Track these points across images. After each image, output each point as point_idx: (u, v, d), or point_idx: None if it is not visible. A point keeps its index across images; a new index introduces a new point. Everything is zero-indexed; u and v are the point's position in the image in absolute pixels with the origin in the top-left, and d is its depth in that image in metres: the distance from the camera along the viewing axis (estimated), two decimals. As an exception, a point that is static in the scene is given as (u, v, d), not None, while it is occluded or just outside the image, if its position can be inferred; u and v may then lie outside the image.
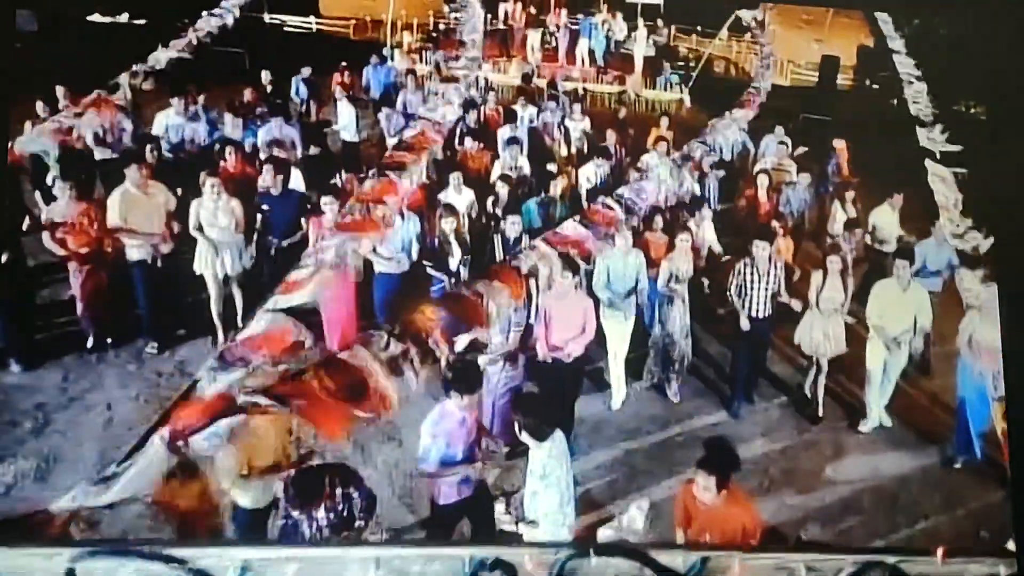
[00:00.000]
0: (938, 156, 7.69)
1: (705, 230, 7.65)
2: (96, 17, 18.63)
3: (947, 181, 7.14)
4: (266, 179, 7.14)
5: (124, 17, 19.11)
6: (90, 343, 7.00)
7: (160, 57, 9.28)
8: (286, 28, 19.55)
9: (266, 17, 19.43)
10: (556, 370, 6.11)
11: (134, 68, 9.30)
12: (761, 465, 6.52)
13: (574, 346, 6.04)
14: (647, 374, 7.25)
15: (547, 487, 4.21)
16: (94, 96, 8.38)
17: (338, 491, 3.93)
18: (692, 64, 18.90)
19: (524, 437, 4.27)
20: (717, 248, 7.70)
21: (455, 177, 7.67)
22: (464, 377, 4.72)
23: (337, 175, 8.40)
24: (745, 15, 16.70)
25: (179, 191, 7.34)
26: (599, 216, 5.91)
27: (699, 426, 6.94)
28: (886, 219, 8.16)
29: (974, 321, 6.33)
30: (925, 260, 7.48)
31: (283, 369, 2.89)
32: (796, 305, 6.87)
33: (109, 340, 6.99)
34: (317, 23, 19.97)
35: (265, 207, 7.13)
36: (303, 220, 7.06)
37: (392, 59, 15.02)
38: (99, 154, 8.53)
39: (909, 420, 7.07)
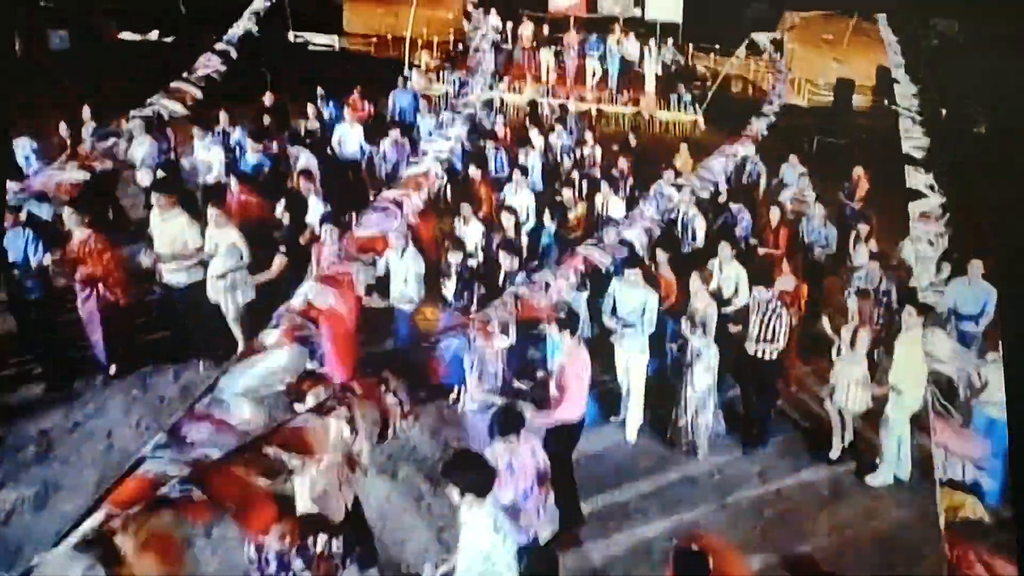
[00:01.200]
0: (925, 193, 7.35)
1: (728, 269, 7.18)
2: (127, 35, 18.98)
3: (933, 225, 6.80)
4: (278, 210, 7.13)
5: (154, 35, 19.43)
6: (102, 368, 7.00)
7: (182, 87, 9.14)
8: (310, 47, 19.73)
9: (290, 36, 19.63)
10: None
11: (161, 94, 9.13)
12: (755, 506, 6.34)
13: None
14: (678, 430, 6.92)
15: (504, 539, 3.92)
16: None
17: (309, 539, 3.88)
18: (709, 83, 18.68)
19: (467, 499, 3.90)
20: (744, 290, 7.07)
21: (465, 207, 7.59)
22: (503, 419, 4.52)
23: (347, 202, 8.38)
24: (760, 39, 16.43)
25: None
26: (574, 263, 5.68)
27: (700, 462, 6.76)
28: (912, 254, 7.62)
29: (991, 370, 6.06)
30: (956, 302, 7.13)
31: (215, 458, 2.73)
32: (777, 348, 6.58)
33: (113, 367, 6.97)
34: (340, 41, 20.13)
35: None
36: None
37: (411, 79, 14.93)
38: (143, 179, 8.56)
39: (915, 463, 6.84)
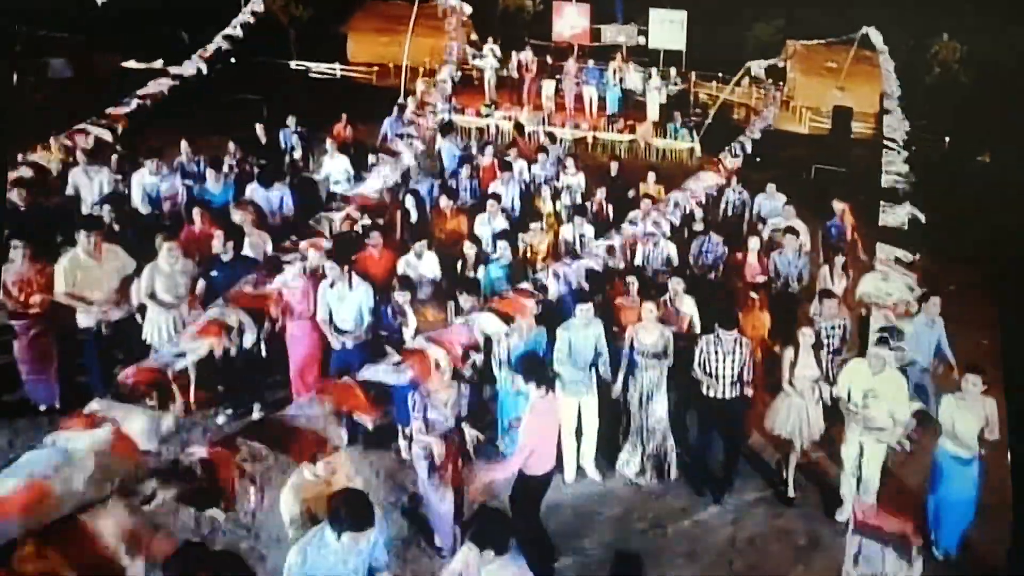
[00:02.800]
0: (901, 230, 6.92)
1: (682, 301, 6.84)
2: (131, 63, 18.95)
3: (895, 269, 6.35)
4: (216, 244, 6.74)
5: (159, 63, 19.39)
6: (42, 407, 6.66)
7: (115, 112, 8.83)
8: (311, 75, 19.62)
9: (292, 64, 19.56)
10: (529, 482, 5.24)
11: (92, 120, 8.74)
12: (726, 556, 5.85)
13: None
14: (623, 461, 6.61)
15: None
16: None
17: None
18: (711, 110, 18.30)
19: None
20: (696, 324, 6.78)
21: (419, 245, 7.23)
22: (485, 531, 3.95)
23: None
24: (755, 67, 16.04)
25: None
26: (510, 303, 5.24)
27: (666, 510, 6.27)
28: (877, 287, 7.15)
29: (951, 407, 5.62)
30: (916, 339, 6.66)
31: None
32: (748, 391, 6.19)
33: (44, 406, 6.61)
34: (342, 70, 19.99)
35: (213, 273, 6.60)
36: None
37: (408, 107, 14.71)
38: (86, 209, 8.22)
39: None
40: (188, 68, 9.99)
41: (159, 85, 9.34)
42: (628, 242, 7.02)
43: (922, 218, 7.08)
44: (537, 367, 5.21)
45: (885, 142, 8.70)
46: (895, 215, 6.89)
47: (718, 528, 6.14)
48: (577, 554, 5.72)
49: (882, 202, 7.36)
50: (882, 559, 4.15)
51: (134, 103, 8.83)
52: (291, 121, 10.84)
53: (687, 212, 8.39)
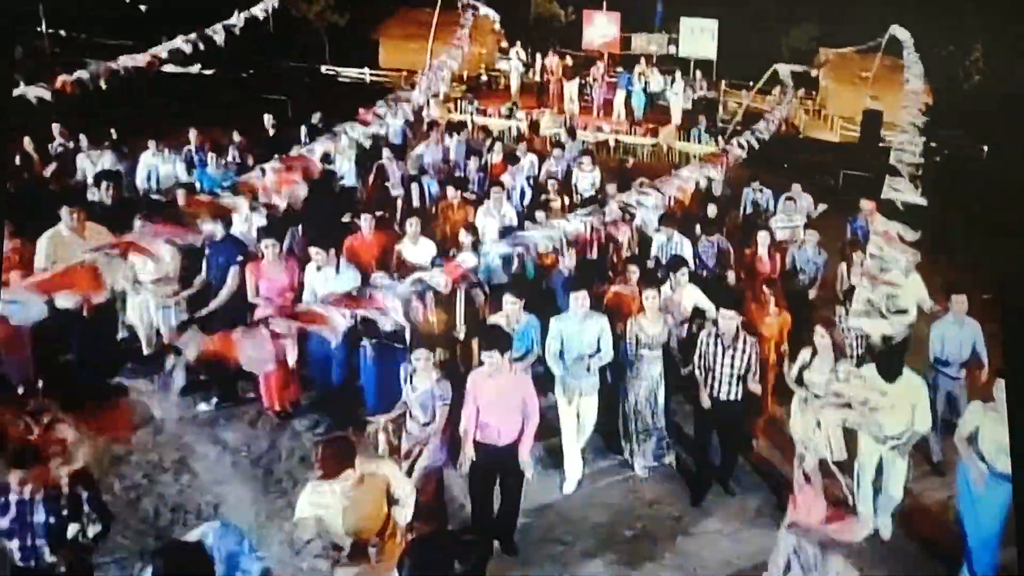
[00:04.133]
0: (900, 207, 6.25)
1: (685, 291, 6.29)
2: (169, 67, 18.90)
3: (893, 242, 5.69)
4: (206, 224, 6.36)
5: (195, 68, 19.35)
6: (20, 390, 6.31)
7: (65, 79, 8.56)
8: (340, 79, 19.47)
9: (323, 68, 19.49)
10: (488, 455, 4.89)
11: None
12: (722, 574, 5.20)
13: (525, 441, 4.84)
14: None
15: None
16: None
17: (65, 488, 3.19)
18: (740, 118, 17.62)
19: None
20: (708, 307, 6.15)
21: (412, 226, 6.78)
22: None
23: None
24: (783, 71, 15.30)
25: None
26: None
27: (659, 518, 5.66)
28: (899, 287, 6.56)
29: (978, 416, 4.90)
30: (943, 342, 6.02)
31: None
32: (755, 388, 5.56)
33: (21, 389, 6.26)
34: (371, 74, 19.81)
35: (207, 253, 6.35)
36: (233, 270, 6.24)
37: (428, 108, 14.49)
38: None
39: (914, 530, 5.61)
40: (161, 50, 9.77)
41: (129, 61, 9.11)
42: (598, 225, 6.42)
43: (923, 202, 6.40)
44: (498, 336, 4.81)
45: (904, 128, 8.02)
46: (900, 193, 6.22)
47: (714, 543, 5.47)
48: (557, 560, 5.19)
49: (888, 176, 6.71)
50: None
51: (77, 73, 8.65)
52: (316, 117, 10.60)
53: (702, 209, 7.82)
